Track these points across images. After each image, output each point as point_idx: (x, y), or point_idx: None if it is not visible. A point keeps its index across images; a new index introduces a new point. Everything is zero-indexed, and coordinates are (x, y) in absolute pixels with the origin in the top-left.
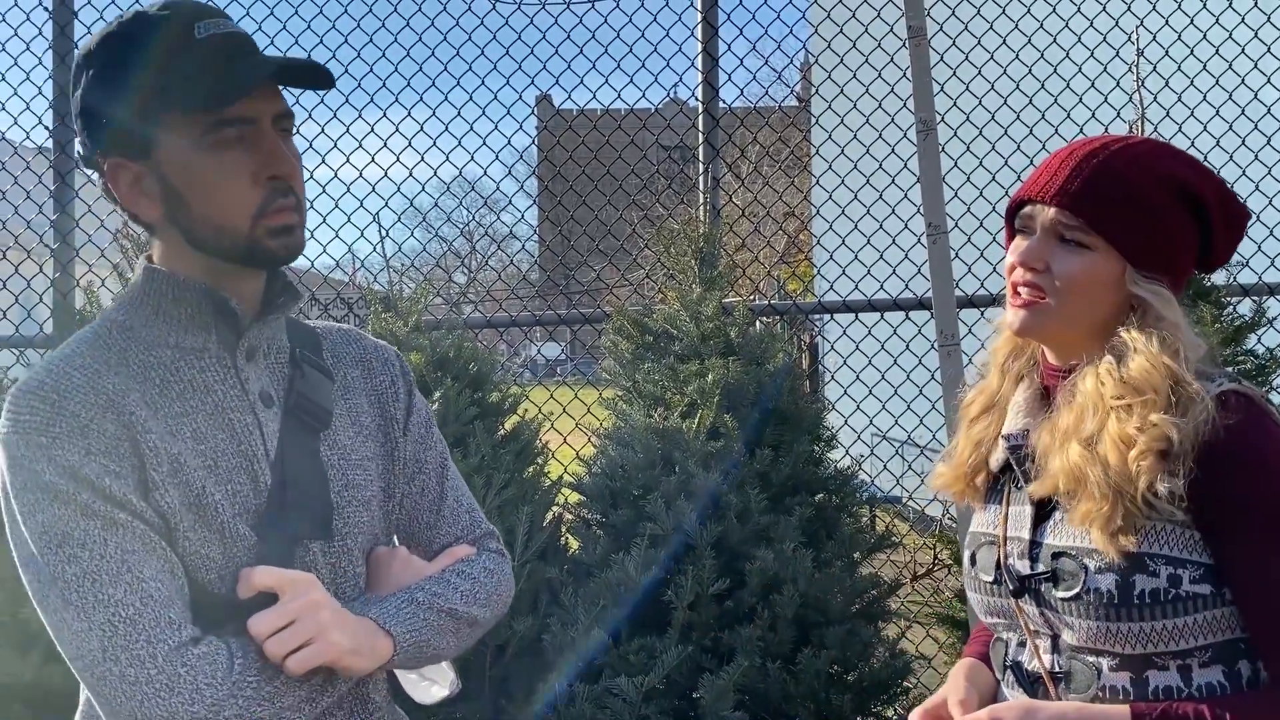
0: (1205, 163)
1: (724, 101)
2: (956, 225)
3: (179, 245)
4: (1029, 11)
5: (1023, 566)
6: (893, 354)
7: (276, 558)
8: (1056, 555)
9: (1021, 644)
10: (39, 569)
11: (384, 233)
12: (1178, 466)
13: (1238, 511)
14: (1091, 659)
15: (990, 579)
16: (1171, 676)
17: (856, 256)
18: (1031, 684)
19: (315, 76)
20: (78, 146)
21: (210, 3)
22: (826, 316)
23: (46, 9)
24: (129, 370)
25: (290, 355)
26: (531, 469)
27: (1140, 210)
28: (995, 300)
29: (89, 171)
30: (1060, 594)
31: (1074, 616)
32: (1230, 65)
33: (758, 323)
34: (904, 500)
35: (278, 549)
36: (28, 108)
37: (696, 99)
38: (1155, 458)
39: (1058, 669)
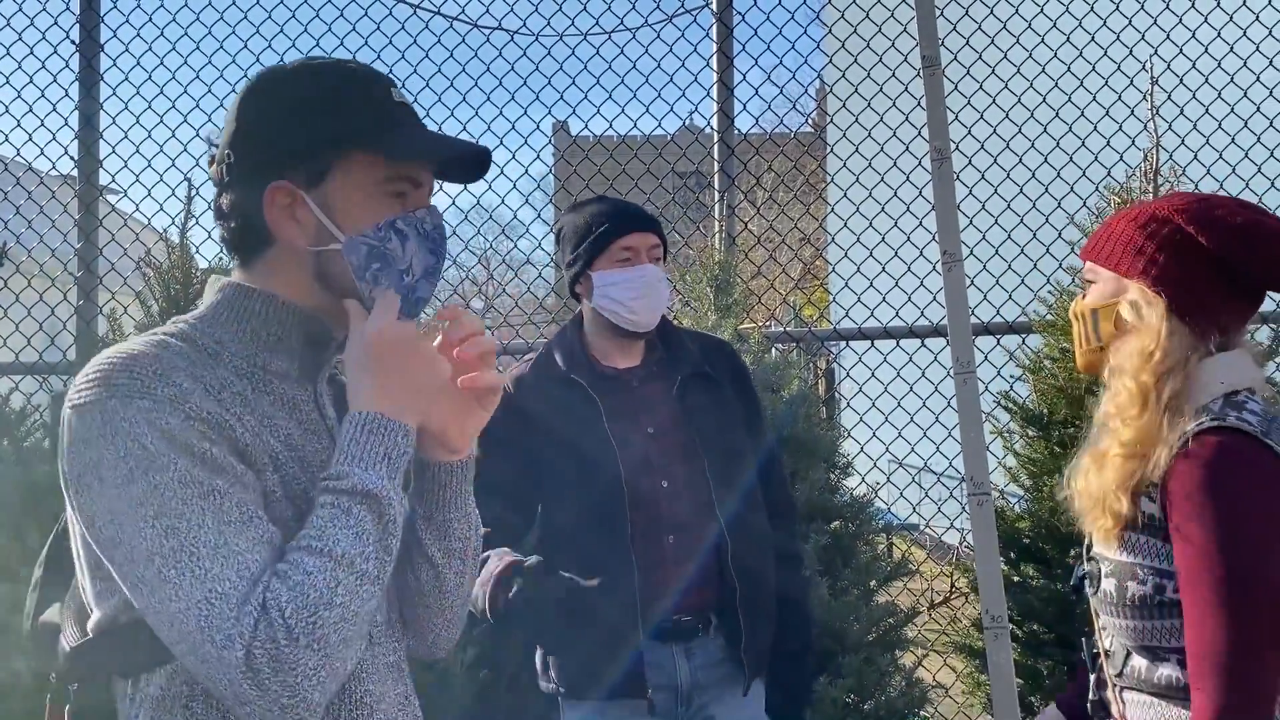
0: (1222, 190)
1: (739, 129)
2: (972, 253)
3: (300, 273)
4: (1042, 41)
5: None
6: (908, 381)
7: None
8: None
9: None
10: (133, 547)
11: None
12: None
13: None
14: (1121, 640)
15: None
16: (1174, 669)
17: (872, 284)
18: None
19: (480, 167)
20: (217, 165)
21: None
22: (842, 343)
23: (73, 42)
24: (218, 371)
25: (330, 377)
26: None
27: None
28: (1011, 327)
29: (112, 199)
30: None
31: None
32: (1245, 93)
33: (773, 350)
34: (921, 527)
35: None
36: (54, 138)
37: (712, 127)
38: None
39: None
